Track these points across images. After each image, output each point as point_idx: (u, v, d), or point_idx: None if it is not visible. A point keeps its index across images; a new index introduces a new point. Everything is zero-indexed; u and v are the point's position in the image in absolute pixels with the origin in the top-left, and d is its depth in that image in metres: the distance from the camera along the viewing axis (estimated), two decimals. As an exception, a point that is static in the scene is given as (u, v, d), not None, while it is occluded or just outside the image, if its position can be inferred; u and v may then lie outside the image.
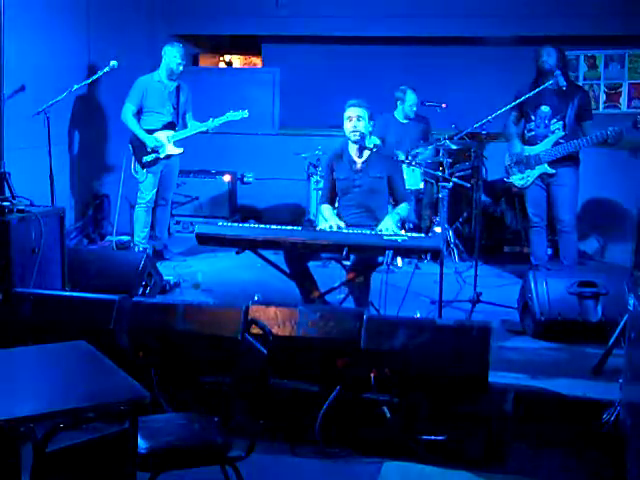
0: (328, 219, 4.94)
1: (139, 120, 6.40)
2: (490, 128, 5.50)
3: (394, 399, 3.71)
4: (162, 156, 6.39)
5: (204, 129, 6.41)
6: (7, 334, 3.98)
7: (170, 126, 6.42)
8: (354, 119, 4.86)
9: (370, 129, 4.96)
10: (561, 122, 5.78)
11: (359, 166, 4.99)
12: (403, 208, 4.94)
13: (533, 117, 5.88)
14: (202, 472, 2.91)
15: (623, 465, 3.24)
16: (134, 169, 6.41)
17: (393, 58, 8.24)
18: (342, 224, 4.84)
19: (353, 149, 5.00)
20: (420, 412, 3.73)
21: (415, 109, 7.02)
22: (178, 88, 6.47)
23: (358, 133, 4.86)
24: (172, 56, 6.36)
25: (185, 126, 6.52)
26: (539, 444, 3.78)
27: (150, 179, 6.44)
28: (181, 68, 6.42)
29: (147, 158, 6.36)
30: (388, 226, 4.73)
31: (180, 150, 6.44)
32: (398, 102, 7.01)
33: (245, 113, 6.37)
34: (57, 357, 2.89)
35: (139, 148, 6.37)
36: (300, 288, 4.86)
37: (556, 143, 5.75)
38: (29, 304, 4.13)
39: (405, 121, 7.04)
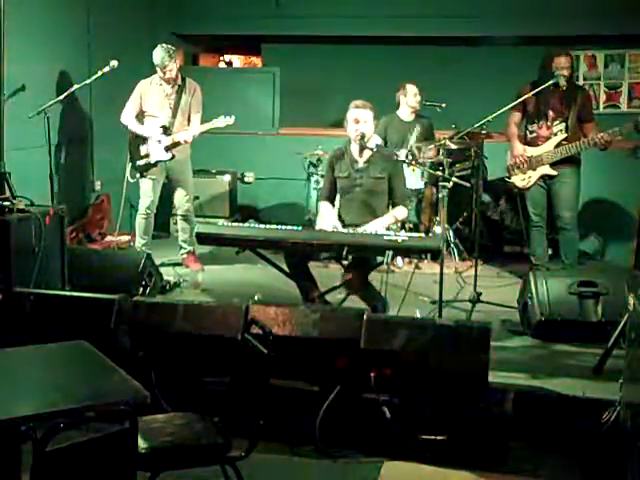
0: (326, 219, 4.93)
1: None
2: (490, 128, 5.50)
3: (394, 399, 3.71)
4: (152, 161, 6.18)
5: (189, 136, 6.14)
6: (7, 334, 3.98)
7: (163, 130, 6.15)
8: (360, 122, 4.86)
9: (373, 129, 4.97)
10: (563, 123, 5.77)
11: (361, 165, 4.98)
12: (400, 211, 4.93)
13: (535, 118, 5.87)
14: (202, 472, 2.91)
15: (623, 465, 3.23)
16: (129, 174, 6.24)
17: (393, 58, 8.23)
18: (339, 224, 4.84)
19: (355, 149, 5.00)
20: (420, 412, 3.73)
21: (419, 99, 6.94)
22: (181, 89, 6.23)
23: (365, 136, 4.87)
24: (153, 59, 6.11)
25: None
26: (539, 444, 3.78)
27: (146, 185, 6.23)
28: (170, 71, 6.09)
29: (140, 162, 6.20)
30: (376, 226, 4.70)
31: (167, 156, 6.15)
32: (401, 97, 6.98)
33: (231, 120, 6.10)
34: (57, 357, 2.89)
35: (133, 153, 6.23)
36: (300, 288, 4.86)
37: (558, 144, 5.74)
38: (29, 304, 4.13)
39: (410, 118, 7.00)
